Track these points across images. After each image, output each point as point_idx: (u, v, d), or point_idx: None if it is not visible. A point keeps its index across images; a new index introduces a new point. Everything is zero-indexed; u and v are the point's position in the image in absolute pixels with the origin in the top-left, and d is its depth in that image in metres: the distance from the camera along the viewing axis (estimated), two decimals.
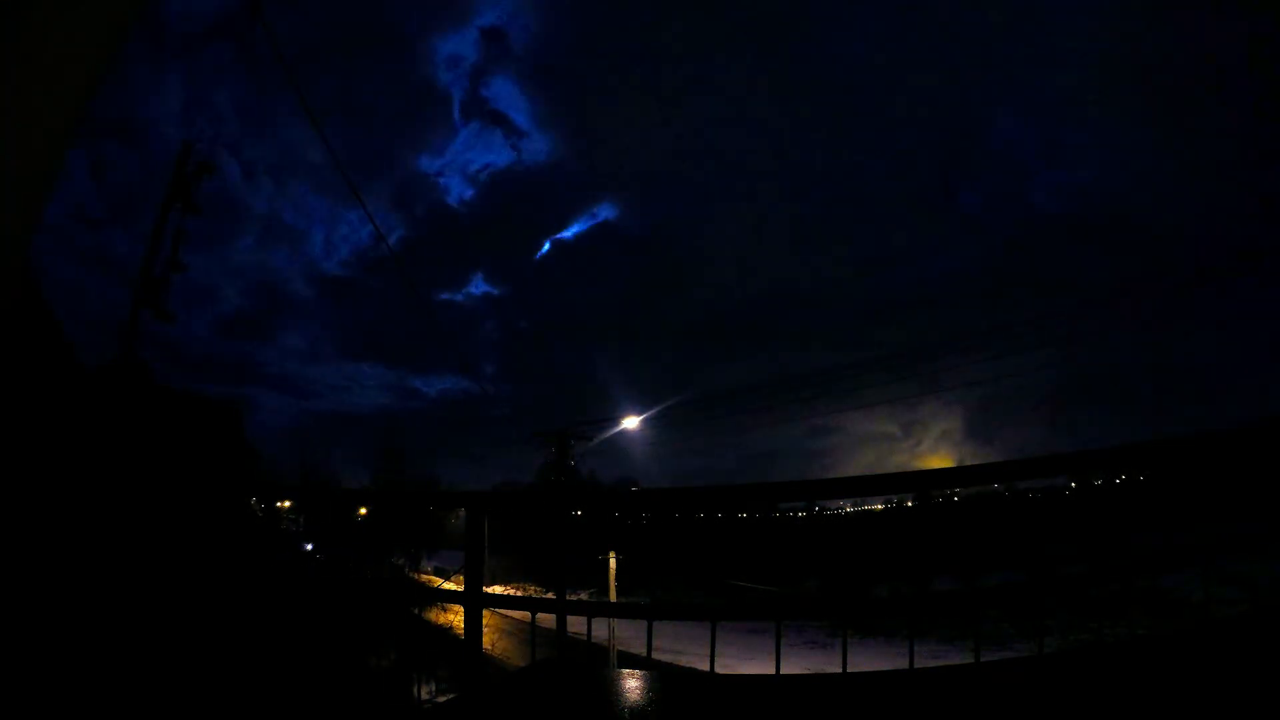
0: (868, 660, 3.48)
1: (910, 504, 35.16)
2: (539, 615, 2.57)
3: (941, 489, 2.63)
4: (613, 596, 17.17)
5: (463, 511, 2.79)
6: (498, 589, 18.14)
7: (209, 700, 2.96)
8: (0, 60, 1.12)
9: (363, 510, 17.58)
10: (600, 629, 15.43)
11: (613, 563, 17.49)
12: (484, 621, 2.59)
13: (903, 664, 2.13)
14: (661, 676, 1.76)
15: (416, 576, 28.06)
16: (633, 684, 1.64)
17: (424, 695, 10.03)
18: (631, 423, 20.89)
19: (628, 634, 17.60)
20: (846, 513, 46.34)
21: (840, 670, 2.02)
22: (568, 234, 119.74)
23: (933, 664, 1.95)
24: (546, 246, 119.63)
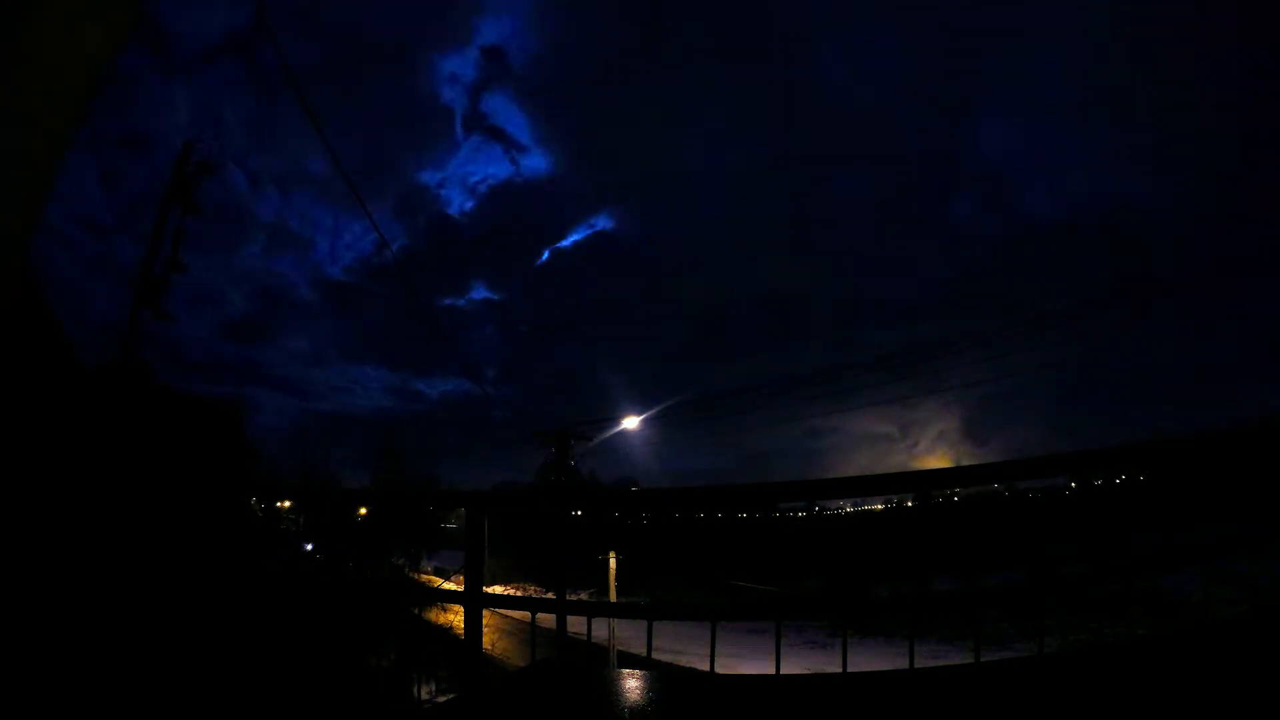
0: (868, 660, 3.49)
1: (910, 504, 35.19)
2: (539, 615, 2.57)
3: (941, 489, 2.63)
4: (613, 596, 17.17)
5: (463, 511, 2.79)
6: (498, 589, 18.13)
7: (209, 700, 2.96)
8: (0, 60, 1.12)
9: (363, 510, 17.58)
10: (600, 629, 15.43)
11: (613, 563, 17.50)
12: (484, 621, 2.59)
13: (903, 664, 2.13)
14: (661, 676, 1.76)
15: (416, 576, 28.06)
16: (633, 684, 1.64)
17: (424, 695, 10.03)
18: (631, 423, 20.90)
19: (628, 634, 17.59)
20: (846, 513, 46.35)
21: (840, 670, 2.02)
22: (566, 243, 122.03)
23: (933, 664, 1.95)
24: (546, 255, 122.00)
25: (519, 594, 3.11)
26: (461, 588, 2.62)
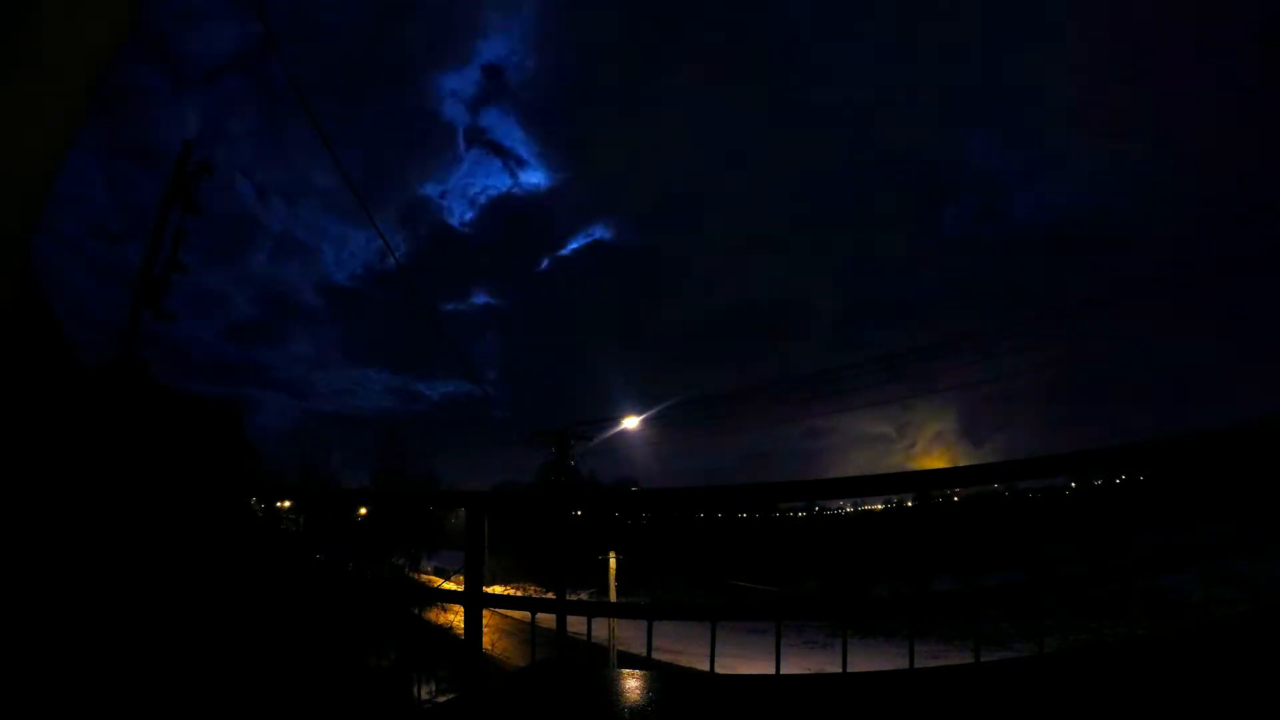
0: (868, 660, 3.48)
1: (910, 504, 35.18)
2: (539, 615, 2.57)
3: (941, 489, 2.63)
4: (613, 596, 17.17)
5: (463, 511, 2.78)
6: (498, 589, 18.10)
7: (209, 701, 2.96)
8: (0, 60, 1.12)
9: (363, 510, 17.57)
10: (600, 629, 15.43)
11: (613, 563, 17.49)
12: (484, 621, 2.59)
13: (903, 664, 2.13)
14: (661, 676, 1.75)
15: (416, 576, 28.05)
16: (633, 684, 1.64)
17: (424, 695, 10.03)
18: (631, 423, 20.92)
19: (628, 634, 17.59)
20: (846, 513, 46.33)
21: (840, 670, 2.02)
22: (565, 251, 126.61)
23: (933, 664, 1.95)
24: (545, 263, 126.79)
25: (519, 594, 3.10)
26: (461, 588, 2.62)
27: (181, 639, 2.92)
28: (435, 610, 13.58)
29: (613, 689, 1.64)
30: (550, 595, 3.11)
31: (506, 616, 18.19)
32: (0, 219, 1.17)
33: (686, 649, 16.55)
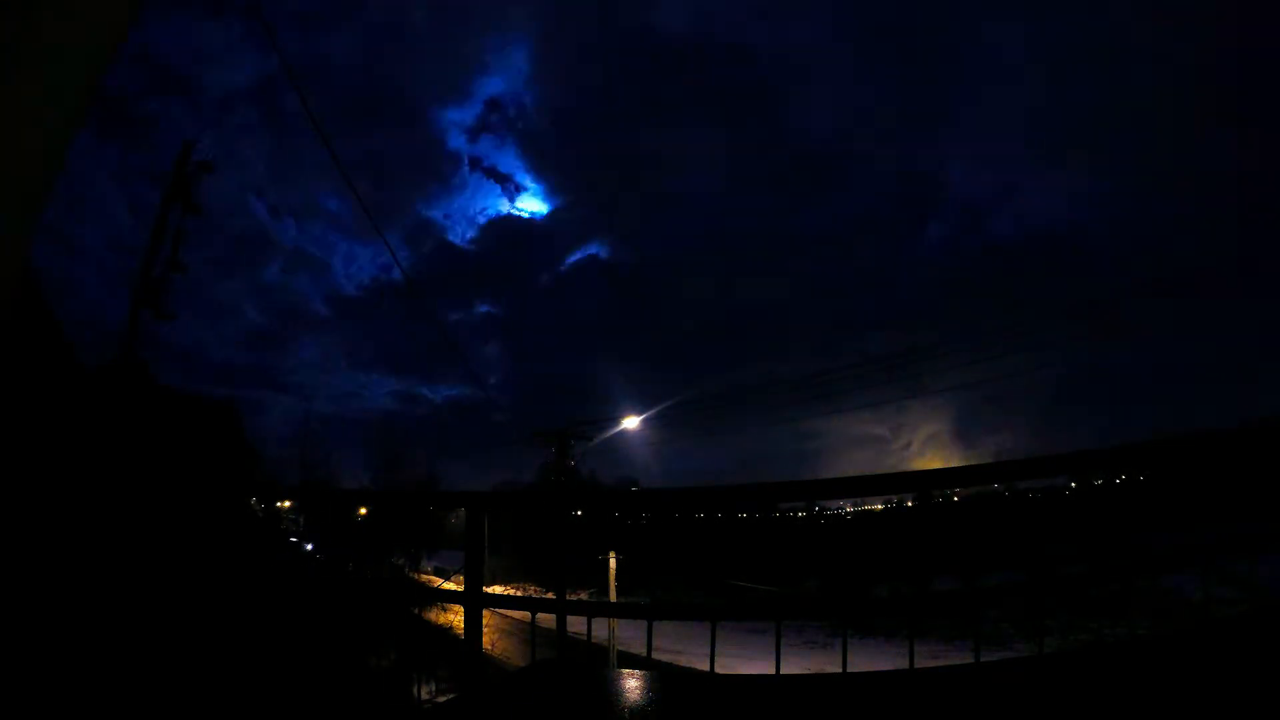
0: (868, 660, 3.48)
1: (910, 504, 35.19)
2: (539, 615, 2.57)
3: (941, 489, 2.63)
4: (613, 596, 17.17)
5: (463, 511, 2.79)
6: (498, 589, 18.13)
7: (209, 701, 2.96)
8: (0, 60, 1.12)
9: (363, 510, 17.57)
10: (600, 629, 15.44)
11: (613, 563, 17.49)
12: (484, 621, 2.59)
13: (903, 664, 2.13)
14: (661, 676, 1.75)
15: (416, 576, 28.05)
16: (633, 684, 1.64)
17: (424, 695, 10.01)
18: (631, 423, 20.91)
19: (628, 634, 17.60)
20: (846, 513, 46.34)
21: (840, 670, 2.02)
22: (563, 267, 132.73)
23: (933, 664, 1.95)
24: (544, 277, 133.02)
25: (519, 594, 3.10)
26: (461, 588, 2.62)
27: (181, 639, 2.92)
28: (435, 610, 13.57)
29: (613, 689, 1.64)
30: (550, 595, 3.12)
31: (506, 616, 18.21)
32: (0, 219, 1.17)
33: (686, 649, 16.56)
